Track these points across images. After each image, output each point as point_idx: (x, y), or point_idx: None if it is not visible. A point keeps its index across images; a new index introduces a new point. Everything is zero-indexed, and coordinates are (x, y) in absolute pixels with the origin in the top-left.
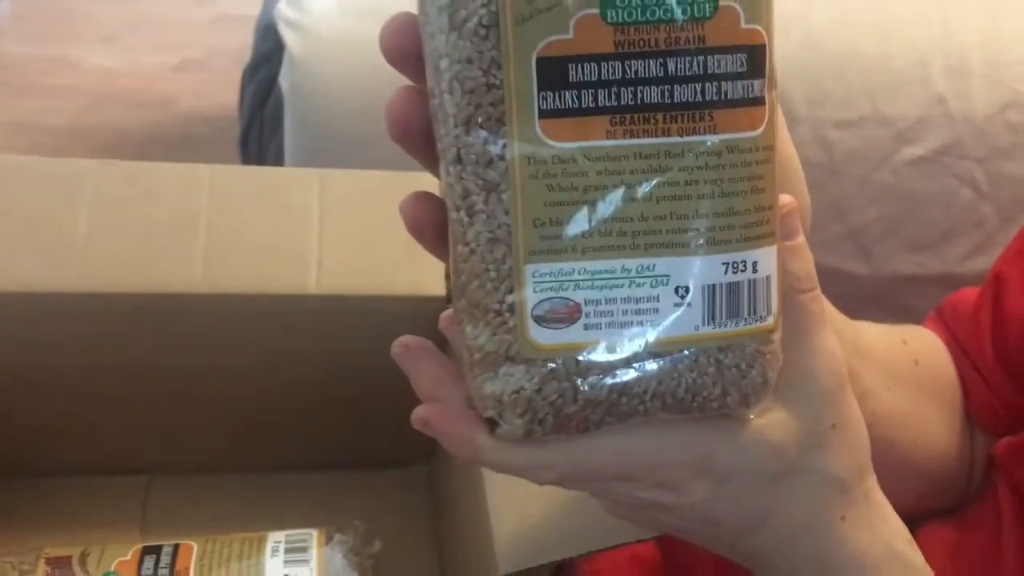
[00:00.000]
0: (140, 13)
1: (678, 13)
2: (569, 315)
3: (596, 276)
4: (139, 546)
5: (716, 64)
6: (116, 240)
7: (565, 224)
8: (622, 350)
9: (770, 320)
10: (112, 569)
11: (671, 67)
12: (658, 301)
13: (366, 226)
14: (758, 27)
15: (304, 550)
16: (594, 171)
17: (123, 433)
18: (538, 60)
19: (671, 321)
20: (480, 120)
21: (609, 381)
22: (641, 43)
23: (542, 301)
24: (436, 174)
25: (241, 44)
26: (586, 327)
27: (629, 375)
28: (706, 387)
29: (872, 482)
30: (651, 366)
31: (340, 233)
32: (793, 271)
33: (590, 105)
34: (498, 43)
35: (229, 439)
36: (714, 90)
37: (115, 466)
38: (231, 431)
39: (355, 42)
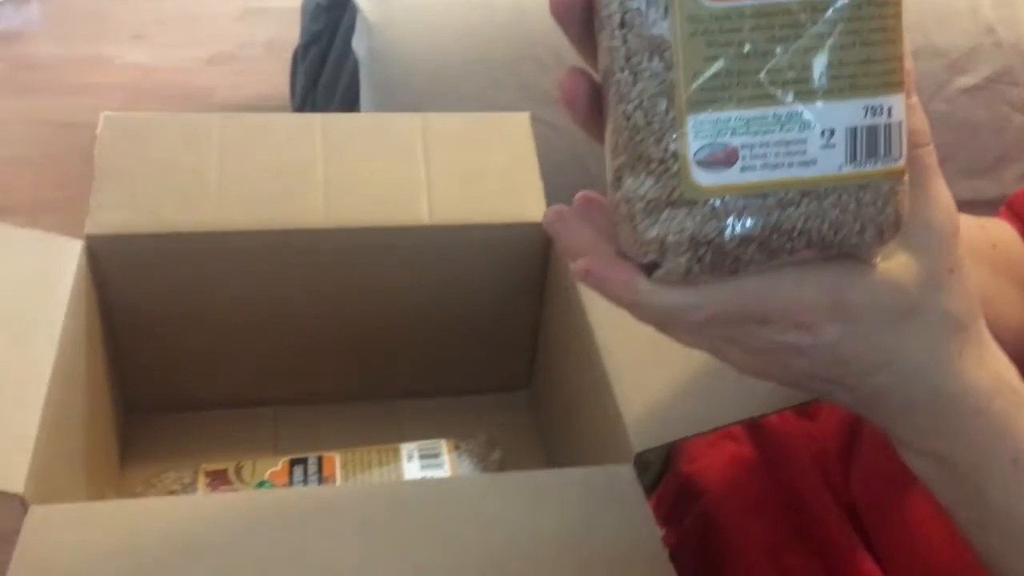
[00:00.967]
0: (168, 10)
1: None
2: (727, 159)
3: (750, 123)
4: (287, 458)
5: None
6: (243, 183)
7: (722, 77)
8: (774, 190)
9: (901, 162)
10: (265, 478)
11: None
12: (806, 144)
13: (466, 162)
14: None
15: (436, 456)
16: (747, 27)
17: (252, 367)
18: None
19: (818, 162)
20: None
21: (762, 219)
22: None
23: (703, 147)
24: (584, 51)
25: (269, 35)
26: (742, 169)
27: (780, 213)
28: (847, 224)
29: (982, 323)
30: (799, 205)
31: (444, 169)
32: (911, 127)
33: None
34: None
35: (347, 370)
36: None
37: (246, 400)
38: (349, 362)
39: (427, 6)
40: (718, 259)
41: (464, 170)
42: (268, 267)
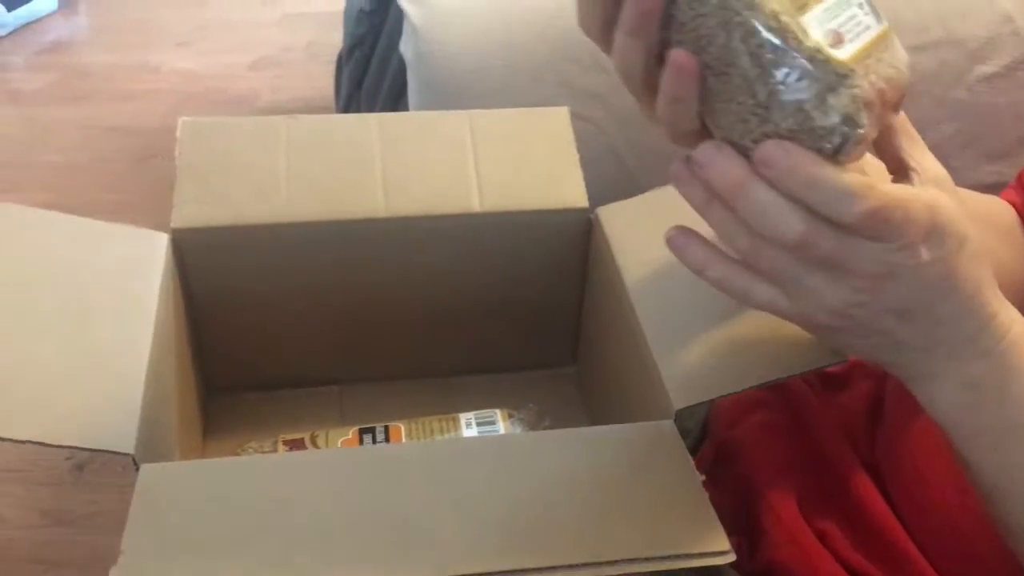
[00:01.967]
0: (210, 18)
1: None
2: (837, 39)
3: (827, 11)
4: (356, 428)
5: None
6: (310, 178)
7: None
8: (868, 51)
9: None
10: (338, 446)
11: None
12: (858, 16)
13: (511, 154)
14: None
15: (492, 423)
16: None
17: (318, 348)
18: None
19: (869, 28)
20: None
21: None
22: None
23: (824, 35)
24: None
25: (308, 39)
26: (848, 42)
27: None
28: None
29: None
30: (881, 59)
31: (491, 161)
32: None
33: None
34: None
35: (405, 349)
36: None
37: (312, 379)
38: (407, 342)
39: (470, 10)
40: (878, 119)
41: (510, 162)
42: (333, 255)
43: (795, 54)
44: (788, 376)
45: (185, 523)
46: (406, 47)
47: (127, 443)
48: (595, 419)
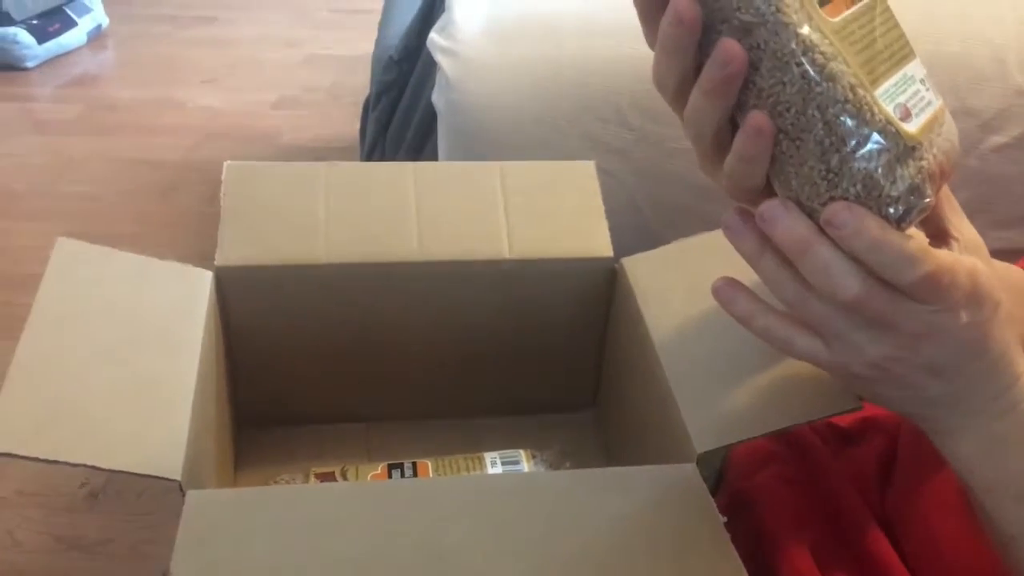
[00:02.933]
0: (236, 56)
1: None
2: (906, 113)
3: (898, 85)
4: (385, 464)
5: None
6: (347, 222)
7: (870, 62)
8: (931, 126)
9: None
10: (368, 480)
11: None
12: (920, 92)
13: (540, 204)
14: None
15: (517, 463)
16: (856, 25)
17: (348, 386)
18: None
19: (931, 103)
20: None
21: (938, 143)
22: None
23: (894, 108)
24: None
25: (331, 80)
26: (915, 115)
27: (938, 139)
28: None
29: None
30: (940, 133)
31: (521, 210)
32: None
33: None
34: None
35: (431, 389)
36: None
37: (340, 415)
38: (433, 382)
39: (501, 63)
40: (937, 189)
41: (538, 211)
42: (367, 296)
43: (869, 126)
44: (805, 422)
45: (230, 548)
46: (438, 97)
47: (174, 470)
48: (614, 461)
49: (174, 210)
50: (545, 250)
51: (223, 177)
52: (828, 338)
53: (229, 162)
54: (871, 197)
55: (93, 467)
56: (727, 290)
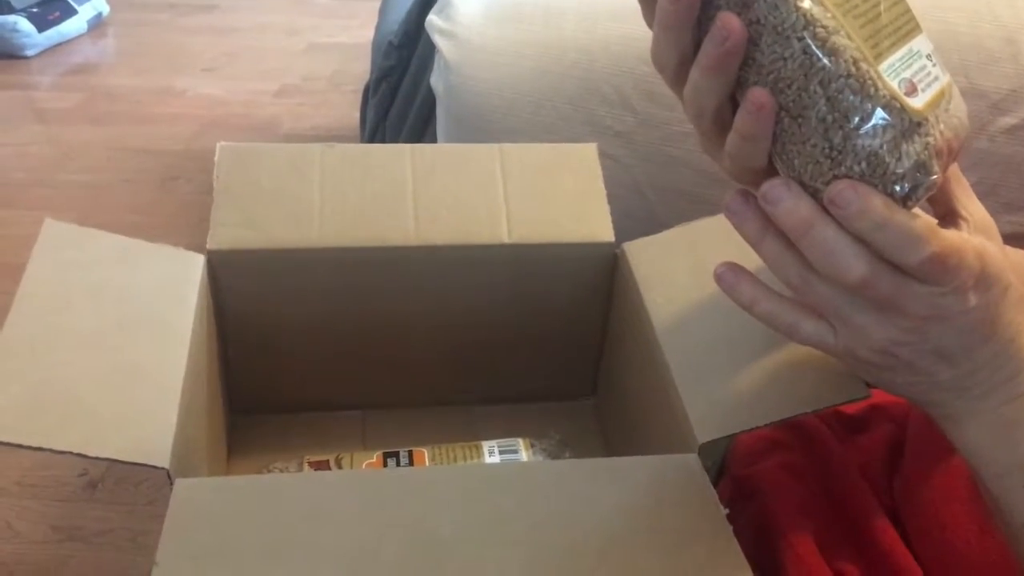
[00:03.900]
0: (237, 44)
1: None
2: (911, 87)
3: (903, 60)
4: (380, 452)
5: None
6: (343, 205)
7: (874, 36)
8: (936, 101)
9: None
10: (363, 468)
11: None
12: (926, 67)
13: (540, 187)
14: None
15: (515, 451)
16: (860, 1)
17: (343, 373)
18: None
19: (938, 78)
20: None
21: (945, 119)
22: None
23: (899, 83)
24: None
25: (332, 69)
26: (921, 90)
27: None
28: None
29: None
30: (947, 108)
31: (520, 194)
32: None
33: None
34: None
35: (428, 376)
36: None
37: (336, 403)
38: (431, 369)
39: (500, 46)
40: (945, 167)
41: (538, 194)
42: (362, 281)
43: (873, 101)
44: (812, 411)
45: (218, 537)
46: (437, 81)
47: (162, 458)
48: (614, 451)
49: (174, 199)
50: (545, 234)
51: (216, 159)
52: (834, 322)
53: (222, 143)
54: (876, 175)
55: (80, 455)
56: (730, 275)
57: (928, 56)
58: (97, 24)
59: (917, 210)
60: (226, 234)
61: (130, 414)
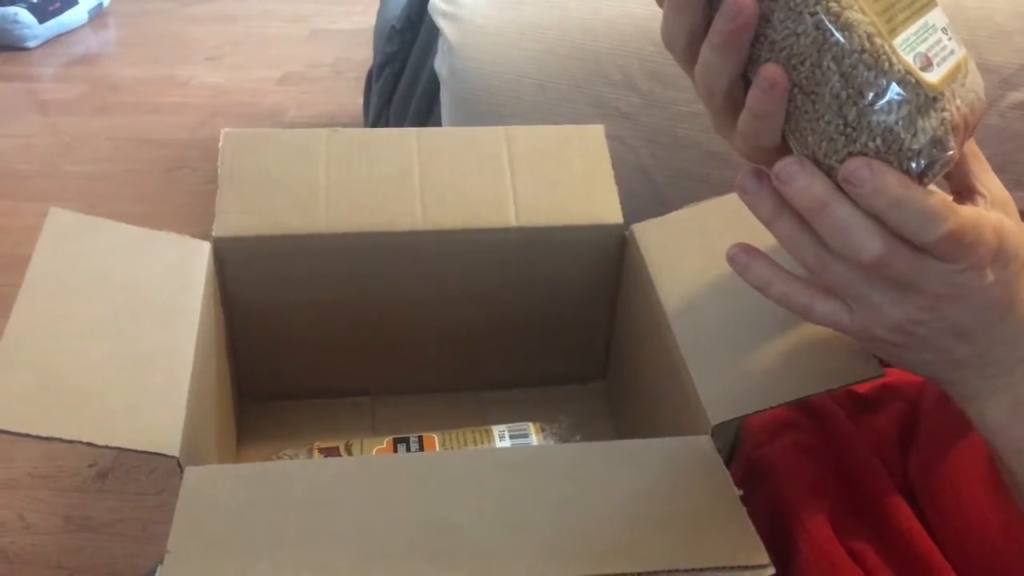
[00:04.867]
0: (240, 33)
1: None
2: (927, 62)
3: (918, 34)
4: (391, 437)
5: None
6: (348, 190)
7: (888, 11)
8: (952, 76)
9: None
10: (373, 454)
11: None
12: (942, 40)
13: (547, 170)
14: None
15: (525, 436)
16: None
17: (353, 359)
18: None
19: (954, 52)
20: None
21: (961, 94)
22: None
23: (914, 57)
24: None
25: (335, 55)
26: (937, 65)
27: (960, 90)
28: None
29: None
30: (963, 84)
31: (527, 177)
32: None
33: None
34: None
35: (438, 362)
36: None
37: (345, 389)
38: (440, 354)
39: (504, 28)
40: (961, 142)
41: (546, 177)
42: (370, 266)
43: (888, 76)
44: (825, 391)
45: (229, 525)
46: (440, 64)
47: (172, 446)
48: (624, 433)
49: (179, 189)
50: (553, 217)
51: (220, 145)
52: (850, 301)
53: (226, 130)
54: (891, 151)
55: (89, 444)
56: (742, 256)
57: (944, 30)
58: (98, 14)
59: (933, 186)
60: (232, 221)
61: (139, 403)
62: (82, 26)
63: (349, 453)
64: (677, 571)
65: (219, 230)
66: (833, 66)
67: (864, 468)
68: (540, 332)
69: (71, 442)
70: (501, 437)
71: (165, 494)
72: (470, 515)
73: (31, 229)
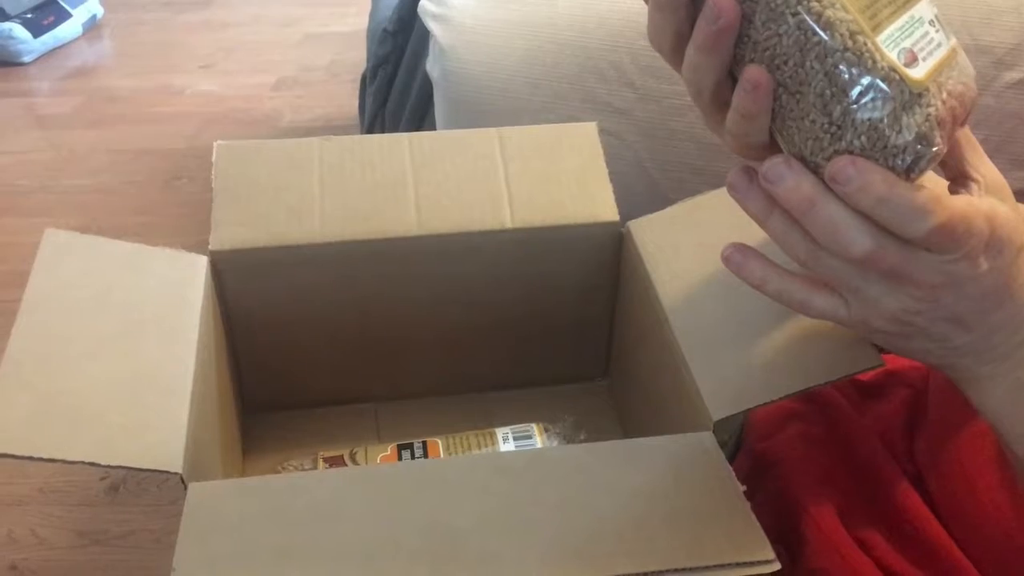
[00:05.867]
0: (232, 39)
1: None
2: (911, 57)
3: (903, 29)
4: (395, 444)
5: None
6: (343, 198)
7: (872, 7)
8: (939, 68)
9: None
10: (377, 463)
11: None
12: (928, 33)
13: (541, 169)
14: None
15: (529, 437)
16: None
17: (353, 366)
18: None
19: (941, 45)
20: None
21: (952, 87)
22: None
23: (898, 54)
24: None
25: (330, 59)
26: (922, 60)
27: (948, 81)
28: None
29: None
30: (951, 75)
31: (522, 177)
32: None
33: None
34: None
35: (439, 366)
36: None
37: (347, 396)
38: (441, 358)
39: (494, 27)
40: (953, 131)
41: (540, 177)
42: (367, 273)
43: (871, 74)
44: (825, 383)
45: (234, 539)
46: (432, 66)
47: (175, 462)
48: (628, 431)
49: (180, 198)
50: (549, 217)
51: (213, 158)
52: (846, 295)
53: (220, 142)
54: (876, 148)
55: (92, 464)
56: (737, 256)
57: (931, 22)
58: (92, 26)
59: (926, 177)
60: (228, 234)
61: (141, 420)
62: (77, 39)
63: (354, 461)
64: (683, 570)
65: (215, 243)
66: (816, 65)
67: (871, 456)
68: (541, 332)
69: (75, 463)
70: (505, 439)
71: (178, 504)
72: (475, 520)
73: (33, 245)
